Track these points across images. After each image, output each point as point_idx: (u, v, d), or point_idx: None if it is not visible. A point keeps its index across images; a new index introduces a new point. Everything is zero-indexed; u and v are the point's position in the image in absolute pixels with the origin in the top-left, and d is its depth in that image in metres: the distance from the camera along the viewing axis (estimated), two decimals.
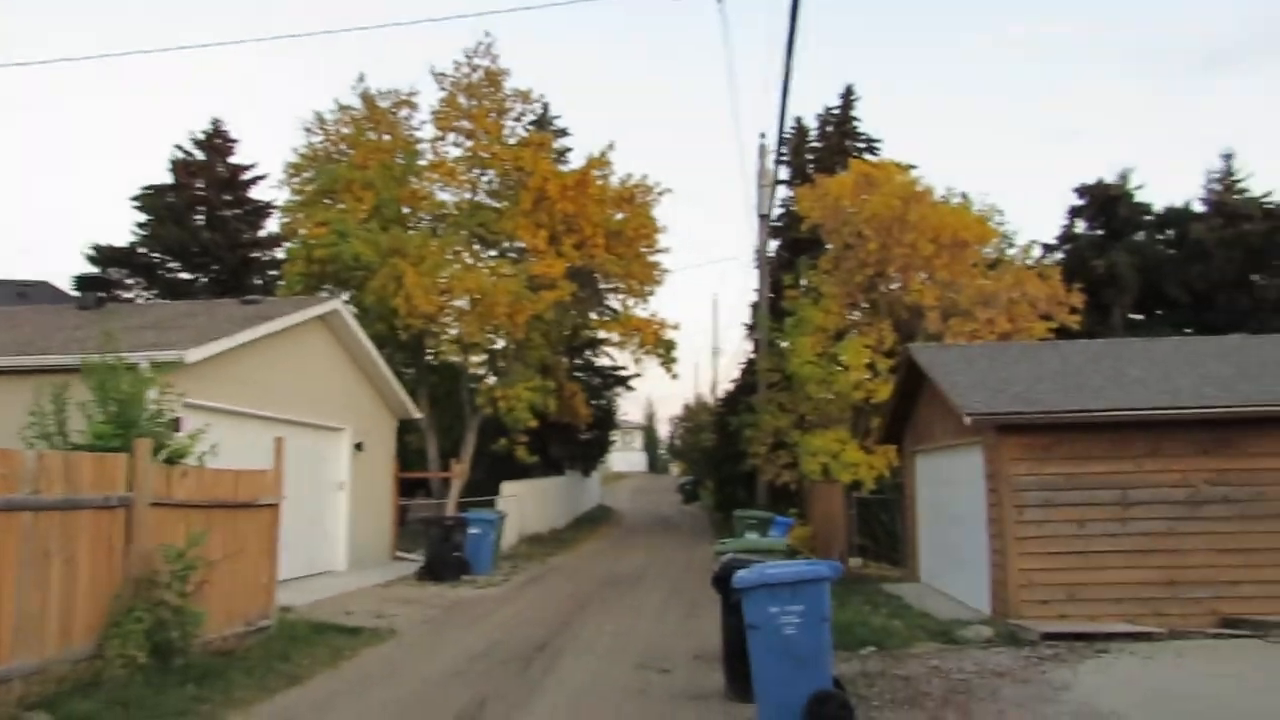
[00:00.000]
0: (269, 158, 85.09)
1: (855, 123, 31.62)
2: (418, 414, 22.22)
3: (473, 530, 18.67)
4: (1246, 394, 11.77)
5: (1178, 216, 26.54)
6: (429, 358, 26.12)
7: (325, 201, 23.63)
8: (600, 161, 23.64)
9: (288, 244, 23.02)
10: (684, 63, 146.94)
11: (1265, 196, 26.65)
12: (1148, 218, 26.97)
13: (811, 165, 30.56)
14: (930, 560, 15.93)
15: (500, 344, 23.89)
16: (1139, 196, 27.06)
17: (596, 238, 23.09)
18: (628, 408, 66.45)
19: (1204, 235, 24.23)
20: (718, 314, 63.49)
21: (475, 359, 24.17)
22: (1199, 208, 27.36)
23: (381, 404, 20.27)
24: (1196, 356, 13.67)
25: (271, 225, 31.60)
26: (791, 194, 30.93)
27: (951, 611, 12.21)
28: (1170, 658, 9.12)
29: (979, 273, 22.79)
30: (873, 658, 9.45)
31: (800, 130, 33.98)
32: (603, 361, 38.12)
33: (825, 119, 32.74)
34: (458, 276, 20.49)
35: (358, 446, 18.55)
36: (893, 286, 23.37)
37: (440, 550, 17.56)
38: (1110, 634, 10.21)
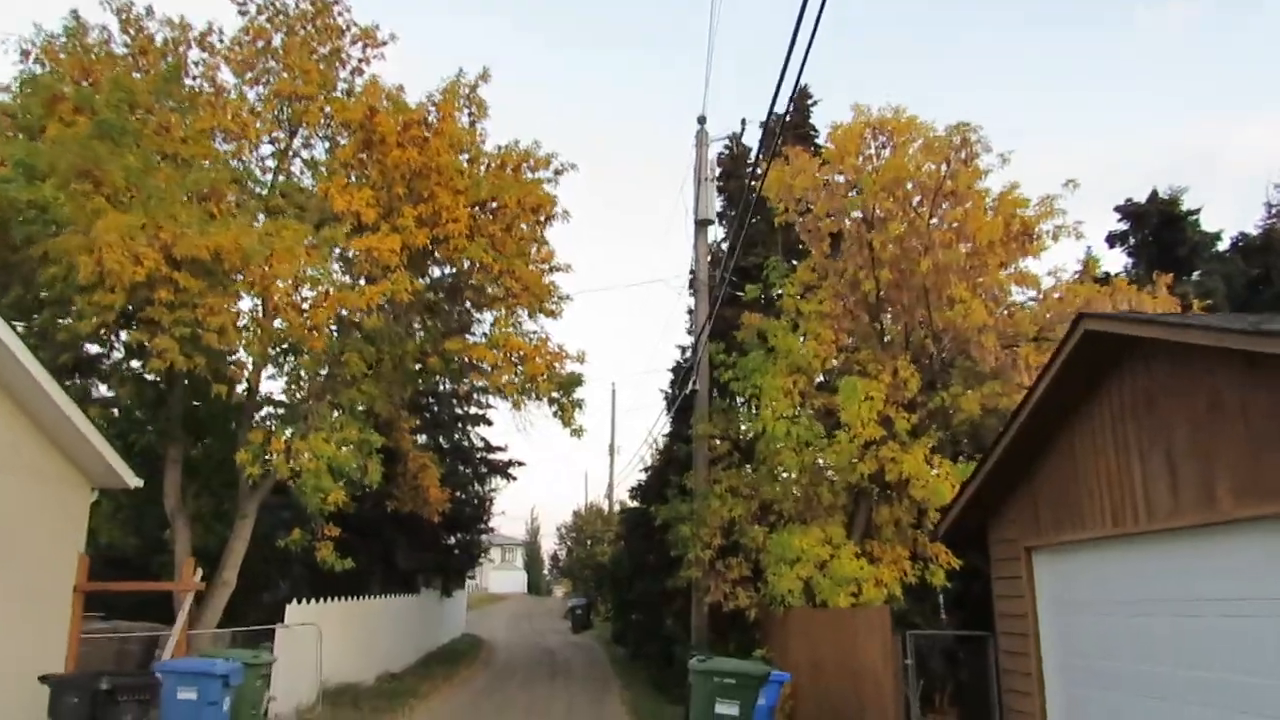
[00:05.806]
0: None
1: (811, 130, 24.37)
2: (136, 482, 12.71)
3: (183, 695, 10.09)
4: None
5: (1258, 247, 19.78)
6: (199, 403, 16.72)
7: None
8: (463, 89, 15.02)
9: None
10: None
11: None
12: (1212, 249, 20.09)
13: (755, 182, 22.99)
14: None
15: (286, 365, 14.61)
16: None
17: (456, 209, 14.36)
18: (508, 522, 57.04)
19: None
20: (615, 402, 54.36)
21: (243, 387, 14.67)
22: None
23: (60, 461, 11.16)
24: None
25: None
26: (725, 234, 24.02)
27: None
28: None
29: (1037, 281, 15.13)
30: None
31: (737, 147, 26.63)
32: (477, 442, 28.98)
33: (773, 127, 25.33)
34: (199, 226, 11.29)
35: None
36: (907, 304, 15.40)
37: None
38: None
